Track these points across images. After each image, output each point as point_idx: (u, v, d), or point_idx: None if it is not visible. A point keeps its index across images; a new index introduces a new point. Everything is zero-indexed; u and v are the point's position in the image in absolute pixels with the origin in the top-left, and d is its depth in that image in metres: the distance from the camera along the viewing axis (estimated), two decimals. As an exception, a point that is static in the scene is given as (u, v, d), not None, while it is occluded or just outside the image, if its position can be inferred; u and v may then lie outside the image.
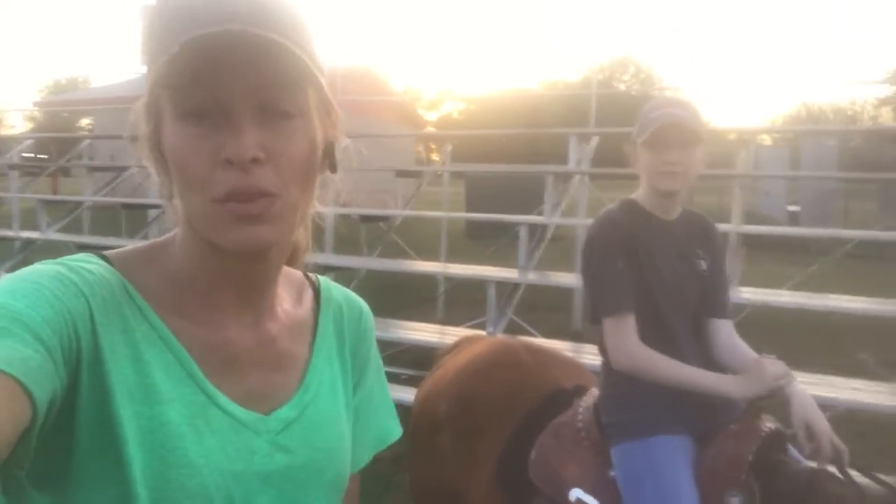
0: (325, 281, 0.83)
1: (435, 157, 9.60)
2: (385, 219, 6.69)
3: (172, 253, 0.69)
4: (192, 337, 0.66)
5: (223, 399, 0.66)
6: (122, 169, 7.84)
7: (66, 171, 15.88)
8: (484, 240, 8.46)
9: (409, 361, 4.84)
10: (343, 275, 5.34)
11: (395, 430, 0.87)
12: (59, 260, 0.63)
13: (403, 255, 6.77)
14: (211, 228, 0.62)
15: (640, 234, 1.70)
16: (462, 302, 6.79)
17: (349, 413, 0.78)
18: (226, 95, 0.60)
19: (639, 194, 1.78)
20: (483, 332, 4.69)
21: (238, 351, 0.69)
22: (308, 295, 0.79)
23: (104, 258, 0.66)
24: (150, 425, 0.61)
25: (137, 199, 7.57)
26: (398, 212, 6.82)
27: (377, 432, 0.84)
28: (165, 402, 0.62)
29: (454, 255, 7.17)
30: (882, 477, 1.43)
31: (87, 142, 10.31)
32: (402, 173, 7.57)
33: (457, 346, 2.30)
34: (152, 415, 0.61)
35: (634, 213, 1.74)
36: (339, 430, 0.75)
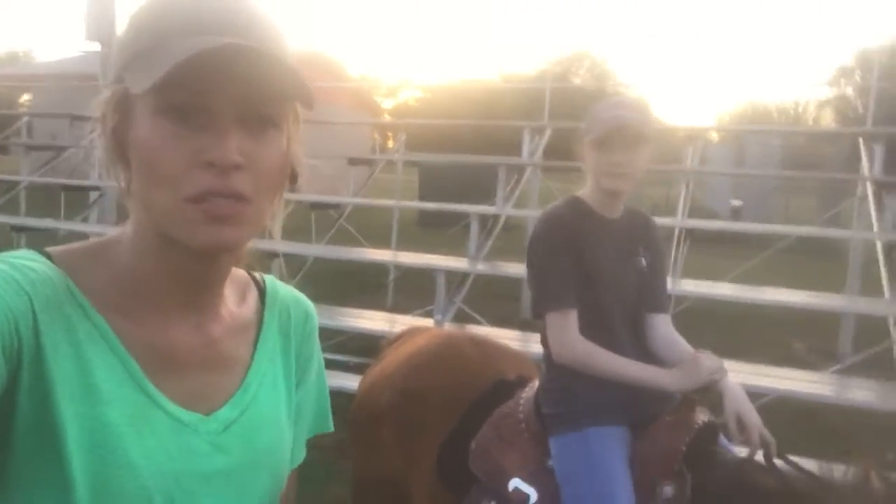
0: (271, 280, 0.83)
1: (391, 144, 9.54)
2: (336, 206, 6.63)
3: (119, 251, 0.68)
4: (135, 337, 0.66)
5: (164, 400, 0.66)
6: (62, 149, 7.55)
7: (2, 149, 15.22)
8: (436, 228, 8.47)
9: (357, 349, 4.82)
10: (291, 261, 5.27)
11: (327, 426, 0.88)
12: (0, 257, 0.63)
13: (354, 242, 6.72)
14: (176, 226, 0.62)
15: (584, 231, 1.72)
16: (412, 290, 6.78)
17: (290, 412, 0.79)
18: (215, 101, 0.61)
19: (584, 192, 1.80)
20: (431, 322, 4.71)
21: (180, 352, 0.69)
22: (252, 294, 0.80)
23: (47, 256, 0.65)
24: (91, 425, 0.60)
25: (78, 180, 7.31)
26: (349, 199, 6.77)
27: (312, 426, 0.85)
28: (106, 402, 0.62)
29: (405, 244, 7.15)
30: (804, 466, 1.48)
31: (25, 119, 9.89)
32: (354, 161, 7.50)
33: (401, 337, 2.29)
34: (93, 415, 0.61)
35: (579, 210, 1.76)
36: (280, 429, 0.76)
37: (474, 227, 5.25)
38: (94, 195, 7.06)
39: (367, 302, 5.76)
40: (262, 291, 0.81)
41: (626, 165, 1.67)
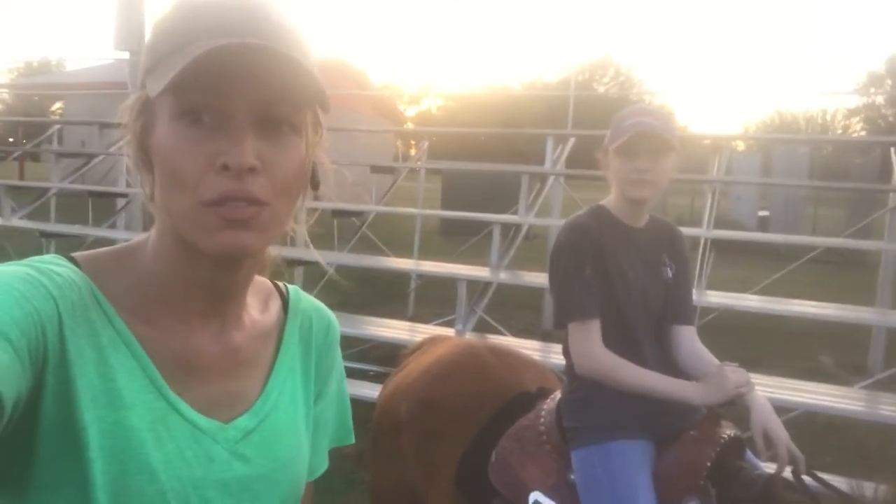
0: (294, 290, 0.83)
1: (413, 152, 9.56)
2: (358, 214, 6.65)
3: (143, 257, 0.69)
4: (157, 344, 0.66)
5: (184, 406, 0.66)
6: (92, 156, 7.68)
7: (34, 157, 15.53)
8: (457, 237, 8.46)
9: (378, 358, 4.82)
10: (312, 269, 5.29)
11: (349, 438, 0.88)
12: (27, 261, 0.63)
13: (376, 250, 6.74)
14: (195, 230, 0.63)
15: (607, 241, 1.70)
16: (433, 299, 6.78)
17: (308, 423, 0.79)
18: (232, 103, 0.61)
19: (609, 200, 1.78)
20: (451, 331, 4.69)
21: (201, 359, 0.69)
22: (275, 303, 0.80)
23: (72, 260, 0.66)
24: (112, 430, 0.61)
25: (106, 187, 7.43)
26: (372, 207, 6.79)
27: (333, 437, 0.86)
28: (128, 407, 0.62)
29: (427, 252, 7.15)
30: (833, 483, 1.44)
31: (56, 127, 10.08)
32: (376, 169, 7.52)
33: (421, 346, 2.28)
34: (115, 420, 0.61)
35: (603, 219, 1.74)
36: (298, 440, 0.76)
37: (496, 236, 5.23)
38: (121, 202, 7.17)
39: (389, 311, 5.76)
40: (284, 301, 0.81)
41: (650, 173, 1.65)
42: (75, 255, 0.67)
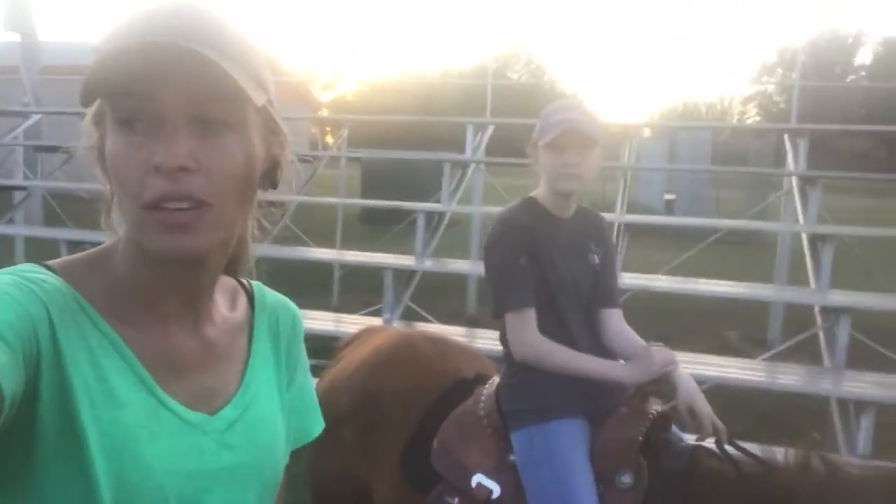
0: (258, 286, 0.85)
1: (330, 139, 9.43)
2: (278, 204, 6.51)
3: (116, 261, 0.71)
4: (140, 343, 0.68)
5: (172, 402, 0.69)
6: (-18, 146, 7.16)
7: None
8: (379, 225, 8.43)
9: (306, 351, 4.76)
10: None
11: (318, 427, 0.91)
12: (10, 270, 0.65)
13: (297, 241, 6.63)
14: (141, 235, 0.65)
15: (539, 232, 1.77)
16: (357, 289, 6.74)
17: (284, 411, 0.82)
18: (159, 104, 0.62)
19: (538, 192, 1.84)
20: (379, 320, 4.70)
21: (182, 356, 0.72)
22: (242, 299, 0.82)
23: (49, 268, 0.68)
24: (110, 429, 0.63)
25: (1, 179, 6.95)
26: (293, 197, 6.66)
27: (303, 428, 0.88)
28: (123, 406, 0.65)
29: (349, 241, 7.09)
30: (753, 451, 1.57)
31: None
32: (300, 157, 7.36)
33: (357, 338, 2.29)
34: (111, 419, 0.63)
35: (534, 211, 1.81)
36: (277, 427, 0.79)
37: (420, 224, 5.27)
38: (19, 195, 6.73)
39: (313, 302, 5.69)
40: (250, 296, 0.83)
41: (579, 166, 1.73)
42: (51, 263, 0.69)
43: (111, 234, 0.74)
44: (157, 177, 0.61)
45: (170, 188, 0.62)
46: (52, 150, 6.83)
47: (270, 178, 0.73)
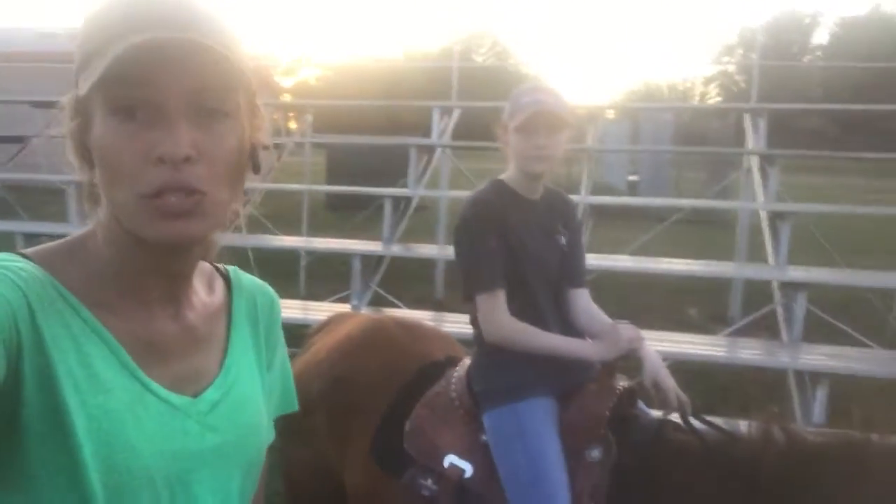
0: (234, 271, 0.87)
1: (293, 125, 9.30)
2: (244, 191, 6.42)
3: (94, 248, 0.71)
4: (121, 329, 0.69)
5: (155, 386, 0.70)
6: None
7: None
8: (345, 211, 8.38)
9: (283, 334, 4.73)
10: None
11: (293, 404, 0.93)
12: None
13: (263, 228, 6.56)
14: (138, 223, 0.65)
15: (509, 213, 1.78)
16: (324, 276, 6.71)
17: (265, 392, 0.84)
18: (161, 95, 0.63)
19: (507, 175, 1.85)
20: (347, 307, 4.69)
21: (164, 340, 0.73)
22: (219, 284, 0.84)
23: (25, 257, 0.68)
24: (96, 413, 0.64)
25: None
26: (258, 184, 6.57)
27: (279, 405, 0.91)
28: (108, 390, 0.65)
29: (315, 228, 7.04)
30: (717, 423, 1.62)
31: None
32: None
33: (327, 324, 2.29)
34: (97, 403, 0.64)
35: (503, 193, 1.82)
36: (259, 408, 0.81)
37: (388, 210, 5.25)
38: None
39: (280, 290, 5.60)
40: (227, 281, 0.85)
41: (547, 148, 1.74)
42: (26, 251, 0.69)
43: (89, 221, 0.74)
44: (159, 167, 0.62)
45: (172, 178, 0.63)
46: (6, 140, 6.61)
47: (253, 162, 0.74)
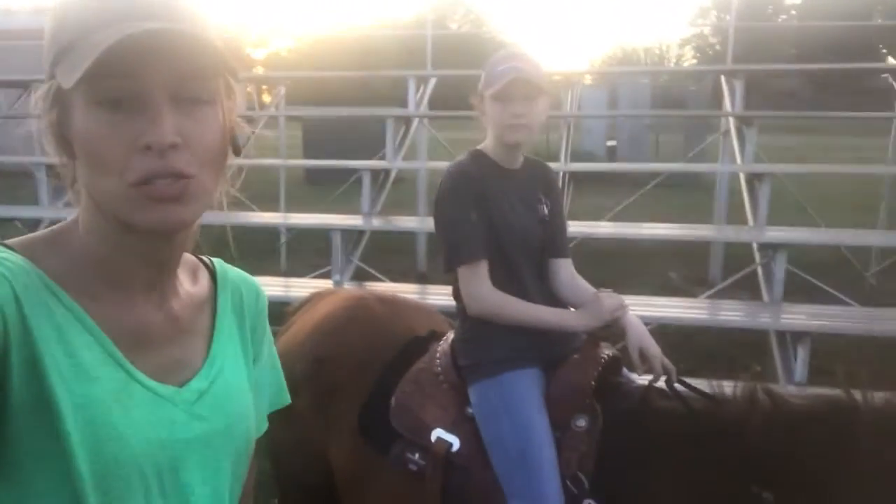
0: (219, 263, 0.88)
1: (267, 98, 9.12)
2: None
3: (77, 238, 0.72)
4: (106, 318, 0.69)
5: (140, 375, 0.70)
6: None
7: None
8: (324, 186, 8.29)
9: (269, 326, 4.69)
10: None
11: (286, 398, 0.94)
12: None
13: (240, 205, 6.46)
14: (126, 211, 0.66)
15: (489, 184, 1.75)
16: (305, 252, 6.65)
17: (252, 383, 0.85)
18: (144, 85, 0.63)
19: (485, 145, 1.82)
20: (329, 283, 4.66)
21: (149, 329, 0.73)
22: (204, 275, 0.84)
23: (8, 248, 0.69)
24: (83, 402, 0.64)
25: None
26: (232, 160, 6.46)
27: (272, 400, 0.92)
28: (93, 380, 0.66)
29: (293, 204, 6.96)
30: (701, 388, 1.62)
31: None
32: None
33: (308, 301, 2.25)
34: (83, 392, 0.65)
35: (483, 164, 1.79)
36: (245, 397, 0.82)
37: (366, 183, 5.19)
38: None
39: (260, 268, 5.59)
40: (212, 273, 0.85)
41: (525, 116, 1.70)
42: (9, 242, 0.70)
43: (66, 206, 0.72)
44: (145, 155, 0.63)
45: (159, 165, 0.64)
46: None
47: (233, 143, 0.74)
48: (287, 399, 0.94)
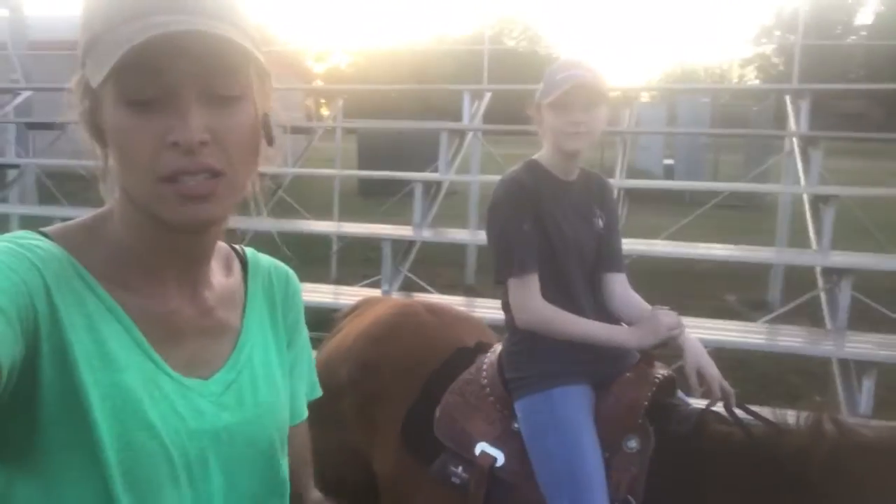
0: (251, 251, 0.87)
1: (325, 111, 9.30)
2: (274, 176, 6.45)
3: (113, 227, 0.72)
4: (137, 308, 0.69)
5: (167, 367, 0.70)
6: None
7: None
8: (377, 197, 8.37)
9: (306, 323, 4.75)
10: (230, 236, 5.12)
11: (317, 392, 0.93)
12: (5, 237, 0.65)
13: (294, 214, 6.58)
14: (156, 206, 0.65)
15: (543, 194, 1.71)
16: (355, 261, 6.72)
17: (284, 371, 0.84)
18: (172, 82, 0.63)
19: (541, 155, 1.78)
20: (378, 292, 4.68)
21: (180, 321, 0.73)
22: (236, 265, 0.84)
23: (45, 235, 0.68)
24: (111, 391, 0.64)
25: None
26: (289, 170, 6.59)
27: (309, 387, 0.91)
28: (122, 369, 0.66)
29: (346, 214, 7.04)
30: (763, 414, 1.54)
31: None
32: (295, 129, 7.28)
33: (356, 308, 2.25)
34: (112, 381, 0.65)
35: (538, 174, 1.75)
36: (275, 386, 0.81)
37: (418, 195, 5.20)
38: (12, 173, 6.66)
39: (311, 275, 5.66)
40: (244, 262, 0.85)
41: (585, 125, 1.67)
42: (46, 229, 0.70)
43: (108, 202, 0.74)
44: (174, 151, 0.63)
45: (188, 162, 0.63)
46: (45, 126, 6.72)
47: (266, 133, 0.72)
48: (318, 391, 0.93)
